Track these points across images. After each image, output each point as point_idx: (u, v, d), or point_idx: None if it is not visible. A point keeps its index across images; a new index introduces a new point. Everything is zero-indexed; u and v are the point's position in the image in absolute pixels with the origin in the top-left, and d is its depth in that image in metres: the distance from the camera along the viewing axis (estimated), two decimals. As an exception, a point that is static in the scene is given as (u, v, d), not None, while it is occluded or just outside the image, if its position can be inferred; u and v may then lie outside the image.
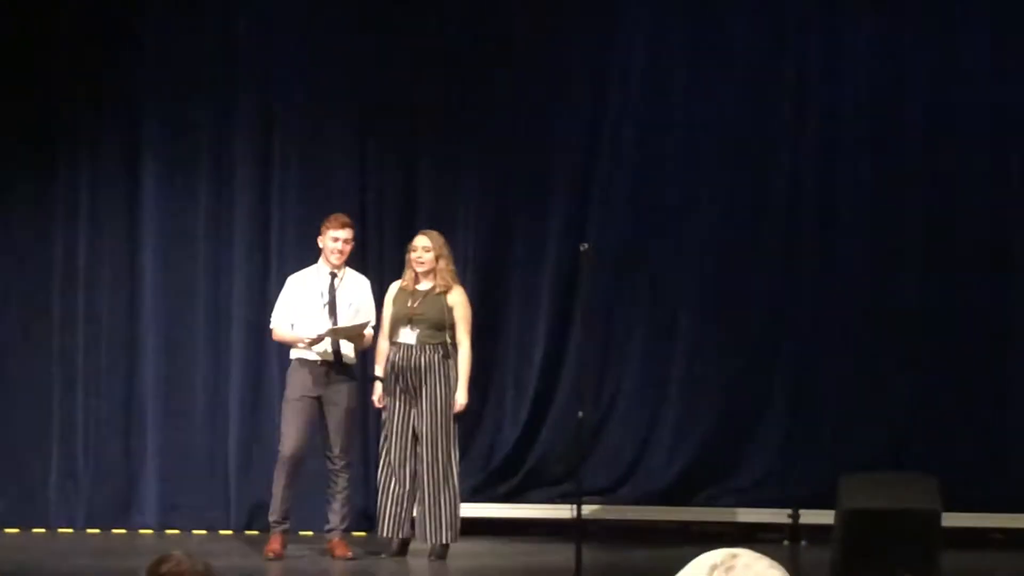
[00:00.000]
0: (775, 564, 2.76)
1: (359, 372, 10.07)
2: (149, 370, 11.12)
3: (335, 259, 9.79)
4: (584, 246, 9.35)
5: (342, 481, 9.77)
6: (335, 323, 9.74)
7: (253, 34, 11.23)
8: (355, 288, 9.90)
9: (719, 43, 11.13)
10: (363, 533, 10.56)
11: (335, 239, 9.79)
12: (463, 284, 9.93)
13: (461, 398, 9.56)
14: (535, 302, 11.14)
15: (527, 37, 11.17)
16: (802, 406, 11.04)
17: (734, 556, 2.74)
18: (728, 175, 11.12)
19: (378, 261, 10.97)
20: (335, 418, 9.73)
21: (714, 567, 2.73)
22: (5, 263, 11.23)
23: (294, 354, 9.84)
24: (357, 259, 10.68)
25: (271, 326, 9.98)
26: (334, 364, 9.75)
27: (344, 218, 9.86)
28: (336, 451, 9.75)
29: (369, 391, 9.91)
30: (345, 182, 11.15)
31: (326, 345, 9.73)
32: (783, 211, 11.12)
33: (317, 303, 9.80)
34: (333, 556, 9.74)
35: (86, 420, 11.12)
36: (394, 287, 9.77)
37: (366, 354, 10.05)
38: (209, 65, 11.22)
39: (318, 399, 9.74)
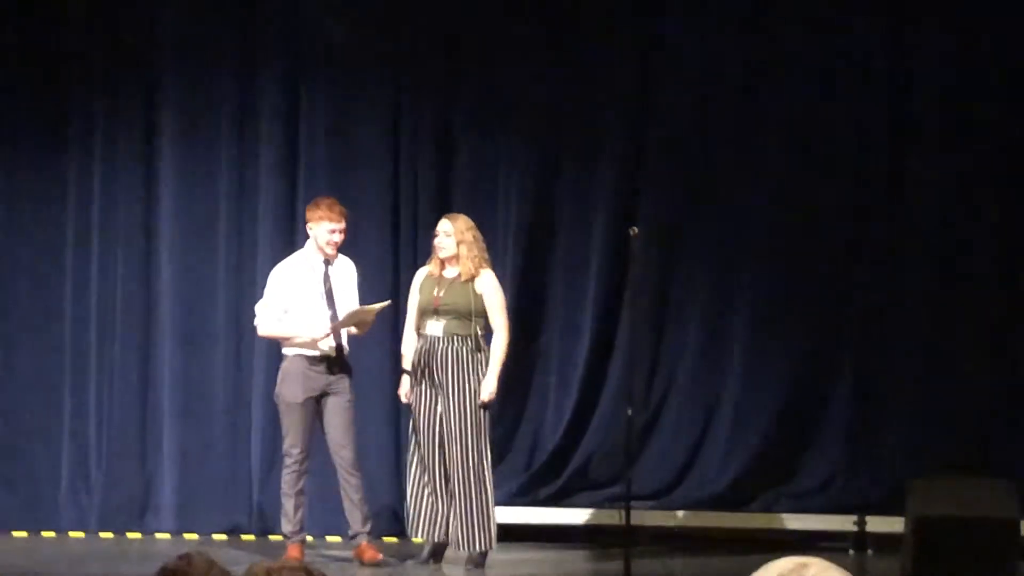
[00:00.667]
0: (847, 575, 2.55)
1: (376, 364, 9.55)
2: (165, 364, 10.73)
3: (331, 251, 9.32)
4: (633, 231, 9.08)
5: (355, 480, 9.32)
6: (334, 314, 9.26)
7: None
8: (346, 273, 9.44)
9: (780, 10, 10.66)
10: (395, 538, 10.11)
11: (332, 231, 9.29)
12: (497, 269, 9.54)
13: (489, 386, 9.08)
14: (580, 292, 10.72)
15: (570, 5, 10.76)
16: (868, 404, 10.60)
17: (803, 566, 2.46)
18: (791, 159, 10.67)
19: (411, 246, 10.54)
20: (340, 415, 9.27)
21: None
22: (11, 251, 10.87)
23: (289, 350, 9.35)
24: (390, 244, 10.33)
25: (256, 322, 9.50)
26: (335, 357, 9.20)
27: (339, 207, 9.36)
28: (345, 447, 9.29)
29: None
30: (376, 164, 10.71)
31: (331, 337, 9.23)
32: (848, 198, 10.68)
33: (313, 292, 9.31)
34: (362, 562, 9.30)
35: (98, 417, 10.74)
36: (421, 274, 9.37)
37: (397, 346, 9.55)
38: (230, 34, 10.81)
39: (318, 397, 9.25)
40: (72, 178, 10.84)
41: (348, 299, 9.33)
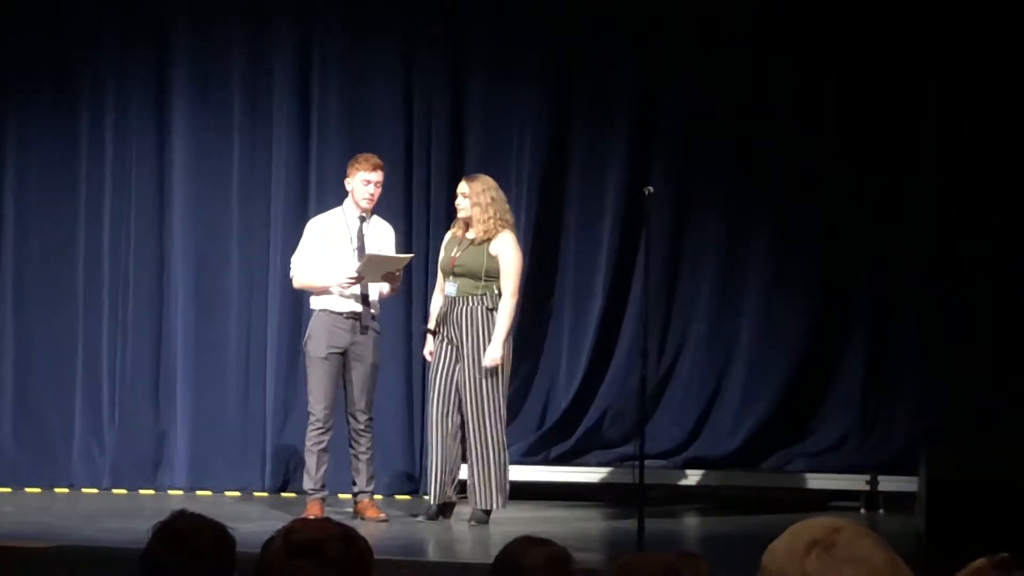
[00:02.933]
0: (880, 542, 2.42)
1: (392, 324, 9.51)
2: (179, 320, 10.69)
3: (366, 204, 9.23)
4: (648, 190, 8.94)
5: (366, 441, 9.29)
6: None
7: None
8: (382, 234, 9.39)
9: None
10: (407, 496, 10.07)
11: (366, 182, 9.21)
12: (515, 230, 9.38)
13: (493, 352, 8.99)
14: (593, 251, 10.65)
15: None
16: (881, 365, 10.51)
17: (836, 531, 2.37)
18: (806, 118, 10.54)
19: (424, 206, 10.47)
20: (361, 374, 9.22)
21: (813, 543, 2.36)
22: (24, 210, 10.83)
23: (317, 304, 9.30)
24: (403, 203, 10.28)
25: (292, 273, 9.44)
26: (361, 315, 9.16)
27: (375, 159, 9.29)
28: (360, 407, 9.25)
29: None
30: (389, 121, 10.64)
31: (355, 291, 9.16)
32: (863, 160, 10.51)
33: (345, 248, 9.26)
34: (363, 519, 9.25)
35: (111, 373, 10.72)
36: (448, 235, 9.32)
37: (410, 307, 9.48)
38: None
39: (343, 353, 9.18)
40: (84, 137, 10.77)
41: None
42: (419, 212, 10.40)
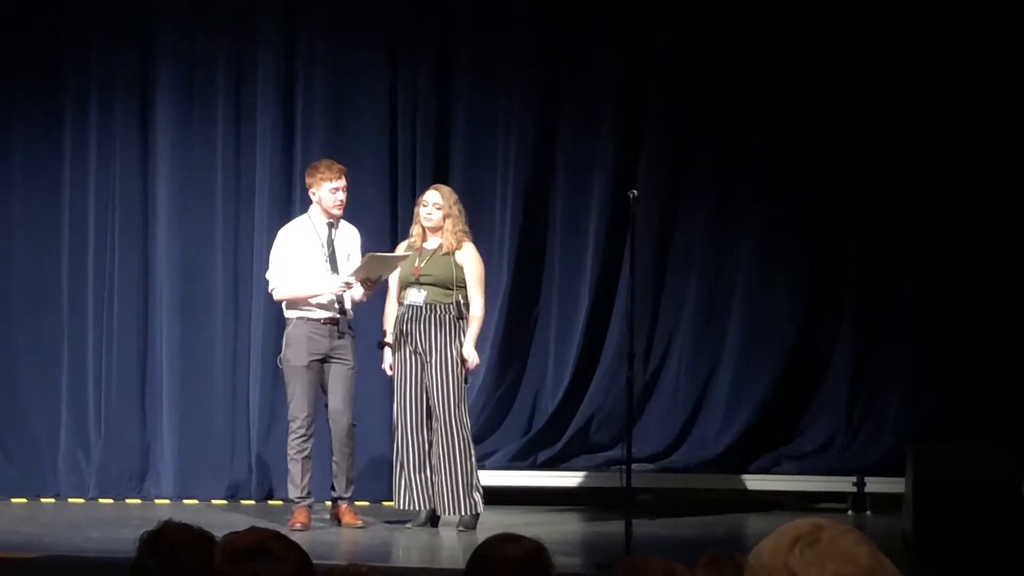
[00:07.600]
0: (864, 538, 2.44)
1: (375, 330, 9.52)
2: (164, 329, 10.68)
3: (336, 211, 9.26)
4: (632, 193, 8.91)
5: (348, 449, 9.33)
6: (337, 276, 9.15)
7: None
8: (350, 239, 9.40)
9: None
10: (392, 503, 10.02)
11: (334, 189, 9.24)
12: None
13: (470, 352, 9.07)
14: (579, 255, 10.67)
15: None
16: (867, 367, 10.54)
17: (819, 528, 2.42)
18: (790, 120, 10.55)
19: (410, 210, 10.38)
20: (342, 382, 9.23)
21: (797, 540, 2.40)
22: (7, 219, 10.81)
23: (293, 314, 9.27)
24: (388, 210, 10.31)
25: (272, 286, 9.37)
26: (339, 321, 9.17)
27: (338, 165, 9.32)
28: (344, 416, 9.25)
29: (379, 357, 9.32)
30: (373, 128, 10.64)
31: (332, 298, 9.18)
32: (845, 161, 10.55)
33: (318, 255, 9.24)
34: (341, 524, 9.28)
35: (97, 384, 10.70)
36: (401, 247, 9.33)
37: (374, 315, 9.48)
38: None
39: (323, 360, 9.17)
40: (68, 145, 10.75)
41: (352, 264, 9.26)
42: (404, 219, 10.36)
